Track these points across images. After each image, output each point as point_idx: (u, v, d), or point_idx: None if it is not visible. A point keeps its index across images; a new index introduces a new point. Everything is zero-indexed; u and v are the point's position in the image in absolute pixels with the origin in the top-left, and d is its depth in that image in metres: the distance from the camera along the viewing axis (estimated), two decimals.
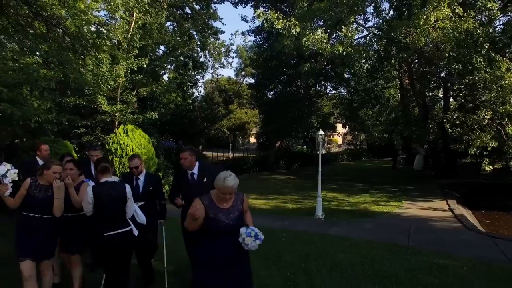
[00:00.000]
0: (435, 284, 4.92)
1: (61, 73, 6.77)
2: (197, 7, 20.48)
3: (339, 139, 42.85)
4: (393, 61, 13.55)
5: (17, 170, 3.64)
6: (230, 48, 26.22)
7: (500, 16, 10.38)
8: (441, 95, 17.97)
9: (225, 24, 54.62)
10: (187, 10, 20.79)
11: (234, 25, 45.63)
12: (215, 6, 22.13)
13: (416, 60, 13.01)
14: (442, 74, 14.34)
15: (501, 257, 6.03)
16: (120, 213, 3.70)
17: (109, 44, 9.92)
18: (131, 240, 3.79)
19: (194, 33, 20.95)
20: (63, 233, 4.02)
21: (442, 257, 6.04)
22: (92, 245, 3.82)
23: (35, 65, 6.07)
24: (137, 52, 10.72)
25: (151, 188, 4.57)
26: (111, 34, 10.39)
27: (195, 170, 4.30)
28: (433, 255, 6.15)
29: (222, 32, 29.30)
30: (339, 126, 32.22)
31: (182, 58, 18.47)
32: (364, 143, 34.45)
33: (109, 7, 9.96)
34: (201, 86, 29.35)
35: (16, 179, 3.63)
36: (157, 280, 4.66)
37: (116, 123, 12.21)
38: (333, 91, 22.58)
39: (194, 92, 26.14)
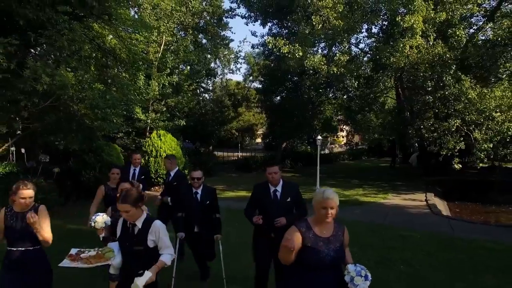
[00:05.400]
0: (396, 246, 7.13)
1: (122, 94, 9.03)
2: (209, 18, 22.51)
3: (343, 140, 44.94)
4: (388, 73, 15.67)
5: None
6: (238, 55, 28.54)
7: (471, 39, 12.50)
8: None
9: (234, 33, 57.18)
10: (201, 23, 23.04)
11: (242, 32, 47.88)
12: (226, 20, 24.34)
13: (399, 75, 15.14)
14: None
15: (449, 231, 8.25)
16: None
17: (144, 65, 12.22)
18: None
19: (207, 43, 23.17)
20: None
21: (407, 231, 8.27)
22: None
23: (109, 90, 8.31)
24: (168, 71, 13.00)
25: (208, 202, 4.62)
26: (145, 55, 12.69)
27: (279, 188, 4.03)
28: (401, 230, 8.37)
29: (232, 40, 31.49)
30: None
31: (196, 67, 20.76)
32: (360, 143, 36.55)
33: (146, 35, 12.22)
34: (211, 91, 31.59)
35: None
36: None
37: (148, 128, 14.53)
38: (334, 96, 24.57)
39: (205, 96, 28.52)
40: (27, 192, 3.21)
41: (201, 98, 25.10)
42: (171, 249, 2.87)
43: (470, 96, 10.96)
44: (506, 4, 15.44)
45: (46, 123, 8.18)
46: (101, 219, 3.26)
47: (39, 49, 7.22)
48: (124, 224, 2.91)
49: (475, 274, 5.61)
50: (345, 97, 23.14)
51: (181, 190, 5.01)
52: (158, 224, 2.86)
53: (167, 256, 2.83)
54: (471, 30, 14.93)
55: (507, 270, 5.78)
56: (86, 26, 9.42)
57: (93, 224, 3.25)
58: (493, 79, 12.28)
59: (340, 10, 11.81)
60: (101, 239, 3.39)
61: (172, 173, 5.97)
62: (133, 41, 10.44)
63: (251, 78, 34.43)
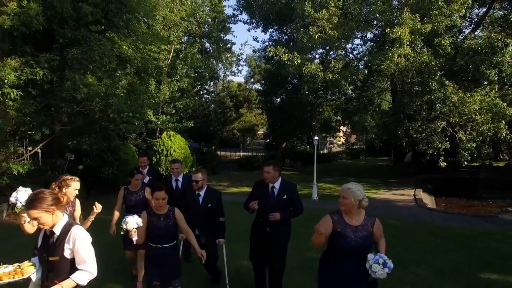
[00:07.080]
0: None
1: (139, 100, 10.14)
2: (212, 23, 23.56)
3: (342, 139, 45.94)
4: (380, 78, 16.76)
5: None
6: (240, 58, 29.60)
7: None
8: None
9: (236, 36, 58.86)
10: (206, 29, 24.09)
11: (243, 34, 49.10)
12: (229, 25, 25.38)
13: (390, 80, 16.27)
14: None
15: (429, 220, 9.38)
16: None
17: (156, 71, 13.33)
18: None
19: (210, 47, 24.23)
20: (161, 267, 3.46)
21: (392, 220, 9.40)
22: None
23: (128, 96, 9.43)
24: (179, 77, 14.14)
25: (209, 205, 4.43)
26: (156, 62, 13.80)
27: (277, 185, 4.26)
28: (387, 219, 9.44)
29: (234, 43, 32.69)
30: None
31: (203, 72, 21.86)
32: (357, 142, 37.67)
33: (157, 44, 13.33)
34: (214, 92, 32.73)
35: None
36: None
37: (158, 129, 15.64)
38: (331, 98, 25.66)
39: (208, 98, 29.62)
40: (78, 184, 3.49)
41: (204, 100, 26.24)
42: (90, 265, 2.40)
43: (453, 100, 12.08)
44: (494, 10, 16.56)
45: (75, 126, 9.32)
46: (132, 220, 3.30)
47: (69, 62, 8.29)
48: (45, 232, 2.49)
49: (443, 252, 6.73)
50: (343, 98, 24.23)
51: (186, 191, 4.91)
52: (76, 231, 2.42)
53: (81, 274, 2.36)
54: (460, 37, 16.06)
55: (470, 249, 6.92)
56: (108, 38, 10.56)
57: (124, 226, 3.32)
58: (486, 82, 13.32)
59: (335, 21, 12.95)
60: (134, 243, 3.50)
61: (180, 178, 5.52)
62: (147, 51, 11.58)
63: (252, 80, 35.57)
